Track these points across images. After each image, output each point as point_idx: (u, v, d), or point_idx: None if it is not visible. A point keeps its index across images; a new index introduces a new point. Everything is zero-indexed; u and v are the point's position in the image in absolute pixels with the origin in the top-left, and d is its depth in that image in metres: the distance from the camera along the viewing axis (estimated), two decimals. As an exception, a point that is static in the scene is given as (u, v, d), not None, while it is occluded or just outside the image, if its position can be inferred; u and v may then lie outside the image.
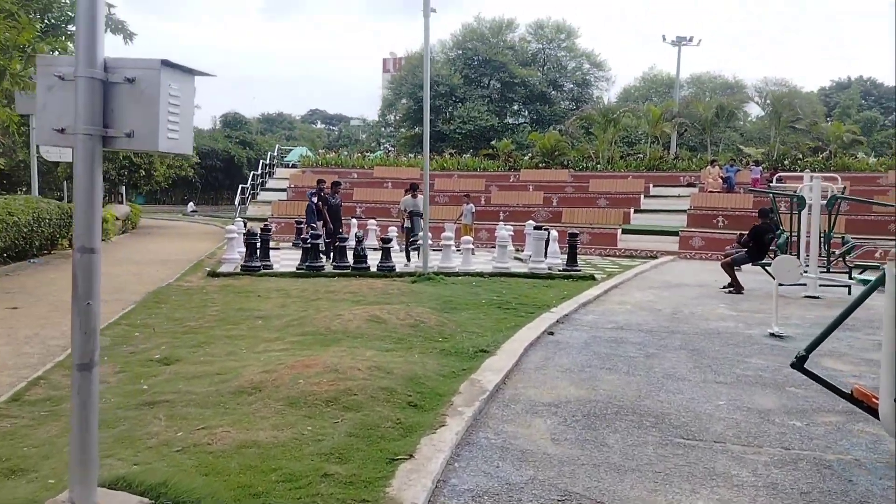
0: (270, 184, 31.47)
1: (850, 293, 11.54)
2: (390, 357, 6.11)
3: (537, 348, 7.13)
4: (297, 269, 13.49)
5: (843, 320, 3.99)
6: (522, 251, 17.66)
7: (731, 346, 7.51)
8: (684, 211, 22.44)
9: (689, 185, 26.43)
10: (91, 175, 2.93)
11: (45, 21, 14.30)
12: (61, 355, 6.36)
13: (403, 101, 48.82)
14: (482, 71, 48.84)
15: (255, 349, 6.70)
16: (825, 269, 12.00)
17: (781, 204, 15.00)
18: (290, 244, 19.40)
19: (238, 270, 13.13)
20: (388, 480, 3.62)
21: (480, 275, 13.20)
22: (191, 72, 3.15)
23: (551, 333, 7.88)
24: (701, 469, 4.05)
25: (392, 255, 13.84)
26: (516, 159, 32.30)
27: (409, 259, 14.94)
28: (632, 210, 23.19)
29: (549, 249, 14.83)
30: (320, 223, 15.26)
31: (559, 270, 13.92)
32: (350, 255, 13.78)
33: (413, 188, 15.66)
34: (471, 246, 14.57)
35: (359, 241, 13.88)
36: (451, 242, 14.25)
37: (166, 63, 2.96)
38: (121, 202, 29.16)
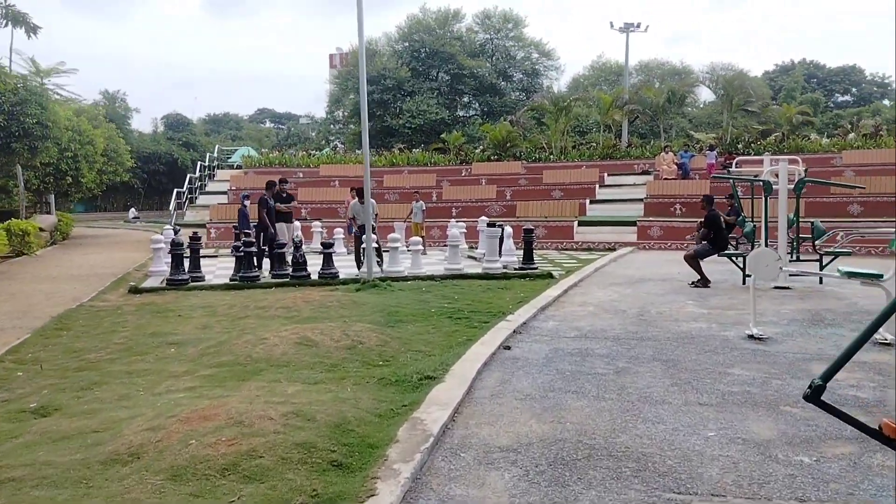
0: (211, 187, 29.97)
1: (821, 283, 10.93)
2: (316, 394, 5.08)
3: (492, 368, 6.19)
4: (231, 280, 12.33)
5: (866, 341, 3.10)
6: (476, 248, 16.76)
7: (709, 353, 6.70)
8: (641, 200, 21.89)
9: (644, 172, 25.97)
10: None
11: None
12: None
13: (351, 96, 47.39)
14: (430, 63, 47.75)
15: (156, 389, 5.58)
16: (794, 258, 11.36)
17: (740, 189, 14.40)
18: (230, 251, 18.10)
19: (164, 285, 11.92)
20: None
21: (431, 278, 12.20)
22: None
23: (508, 348, 6.95)
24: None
25: (334, 260, 12.78)
26: (468, 152, 31.52)
27: (359, 267, 13.85)
28: (587, 201, 22.54)
29: (503, 247, 13.93)
30: (255, 229, 14.04)
31: (515, 269, 13.03)
32: (290, 261, 12.69)
33: (360, 193, 14.58)
34: (420, 247, 13.58)
35: (297, 246, 12.77)
36: (399, 244, 13.22)
37: None
38: (48, 212, 27.26)
